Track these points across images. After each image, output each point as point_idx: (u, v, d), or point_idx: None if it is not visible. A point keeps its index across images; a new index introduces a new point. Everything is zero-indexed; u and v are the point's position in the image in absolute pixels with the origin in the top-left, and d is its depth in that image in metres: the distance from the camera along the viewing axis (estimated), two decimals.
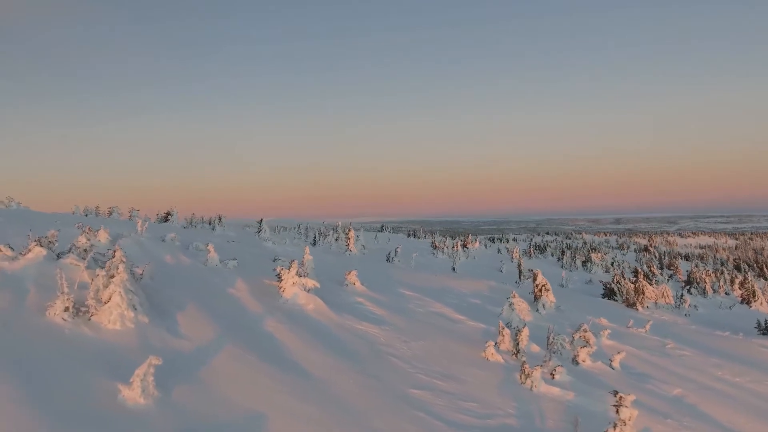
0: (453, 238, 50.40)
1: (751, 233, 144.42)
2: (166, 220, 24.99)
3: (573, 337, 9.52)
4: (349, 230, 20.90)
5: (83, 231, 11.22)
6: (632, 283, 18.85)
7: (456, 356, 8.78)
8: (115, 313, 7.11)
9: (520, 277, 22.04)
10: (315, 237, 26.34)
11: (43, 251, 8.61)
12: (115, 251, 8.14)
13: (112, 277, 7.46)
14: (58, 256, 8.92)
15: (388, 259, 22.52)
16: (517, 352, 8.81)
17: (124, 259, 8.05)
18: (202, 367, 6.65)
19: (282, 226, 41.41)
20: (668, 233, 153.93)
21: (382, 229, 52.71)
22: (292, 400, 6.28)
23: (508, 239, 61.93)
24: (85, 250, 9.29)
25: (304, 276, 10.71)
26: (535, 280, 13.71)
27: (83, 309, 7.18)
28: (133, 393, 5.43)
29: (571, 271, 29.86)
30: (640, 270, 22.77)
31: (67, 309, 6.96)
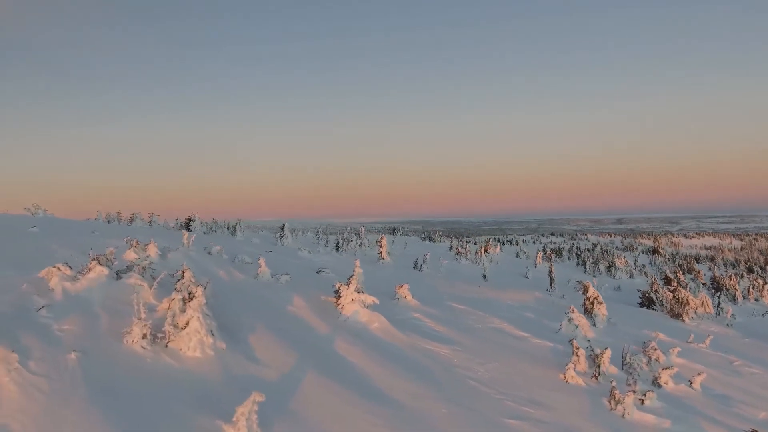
0: (467, 240, 50.00)
1: (756, 234, 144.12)
2: (188, 227, 24.56)
3: (650, 357, 9.15)
4: (382, 237, 20.51)
5: (131, 245, 10.88)
6: (670, 291, 18.48)
7: (533, 379, 8.41)
8: (195, 340, 6.73)
9: (551, 285, 21.66)
10: (338, 243, 25.90)
11: (105, 270, 8.24)
12: (183, 271, 7.78)
13: (187, 300, 7.09)
14: (118, 275, 8.55)
15: (415, 267, 22.12)
16: (599, 374, 8.44)
17: (193, 279, 7.70)
18: (292, 397, 6.28)
19: (289, 229, 40.43)
20: (671, 234, 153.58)
21: (393, 231, 52.22)
22: None
23: (518, 242, 61.52)
24: (144, 269, 8.92)
25: (362, 292, 10.34)
26: (586, 292, 13.34)
27: (160, 335, 6.82)
28: None
29: (594, 276, 29.49)
30: (672, 277, 22.40)
31: (144, 336, 6.59)
